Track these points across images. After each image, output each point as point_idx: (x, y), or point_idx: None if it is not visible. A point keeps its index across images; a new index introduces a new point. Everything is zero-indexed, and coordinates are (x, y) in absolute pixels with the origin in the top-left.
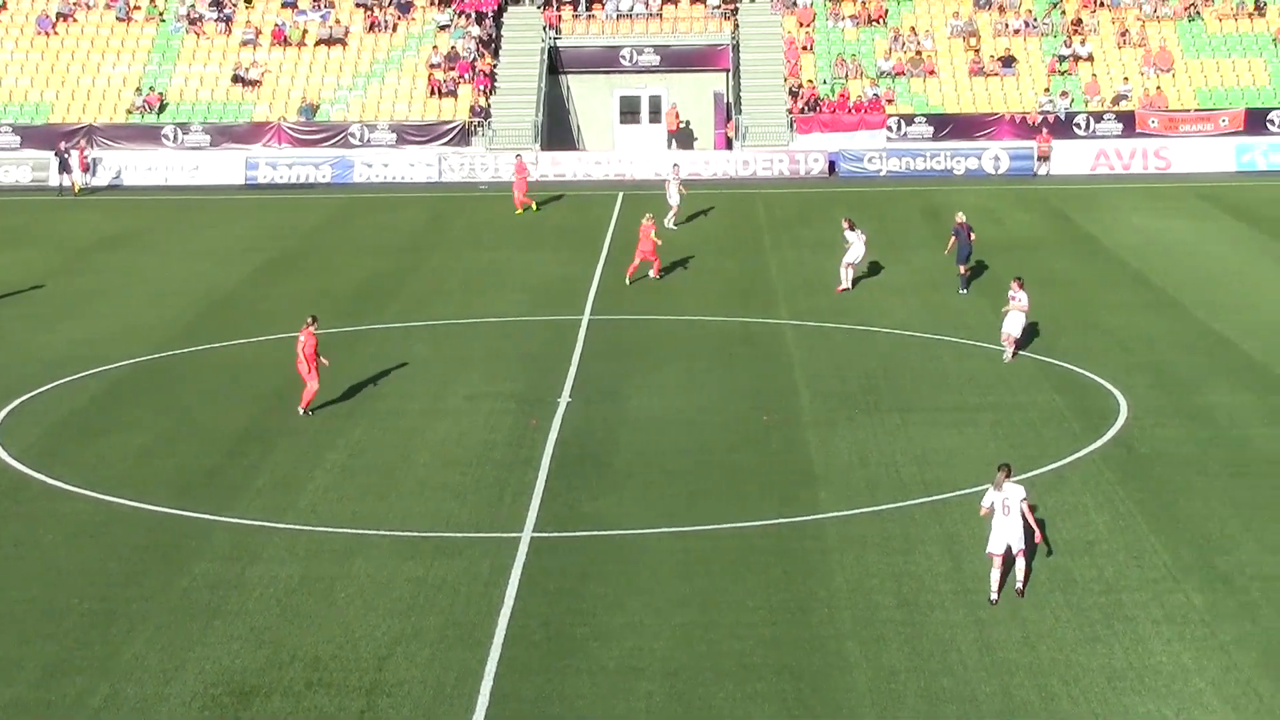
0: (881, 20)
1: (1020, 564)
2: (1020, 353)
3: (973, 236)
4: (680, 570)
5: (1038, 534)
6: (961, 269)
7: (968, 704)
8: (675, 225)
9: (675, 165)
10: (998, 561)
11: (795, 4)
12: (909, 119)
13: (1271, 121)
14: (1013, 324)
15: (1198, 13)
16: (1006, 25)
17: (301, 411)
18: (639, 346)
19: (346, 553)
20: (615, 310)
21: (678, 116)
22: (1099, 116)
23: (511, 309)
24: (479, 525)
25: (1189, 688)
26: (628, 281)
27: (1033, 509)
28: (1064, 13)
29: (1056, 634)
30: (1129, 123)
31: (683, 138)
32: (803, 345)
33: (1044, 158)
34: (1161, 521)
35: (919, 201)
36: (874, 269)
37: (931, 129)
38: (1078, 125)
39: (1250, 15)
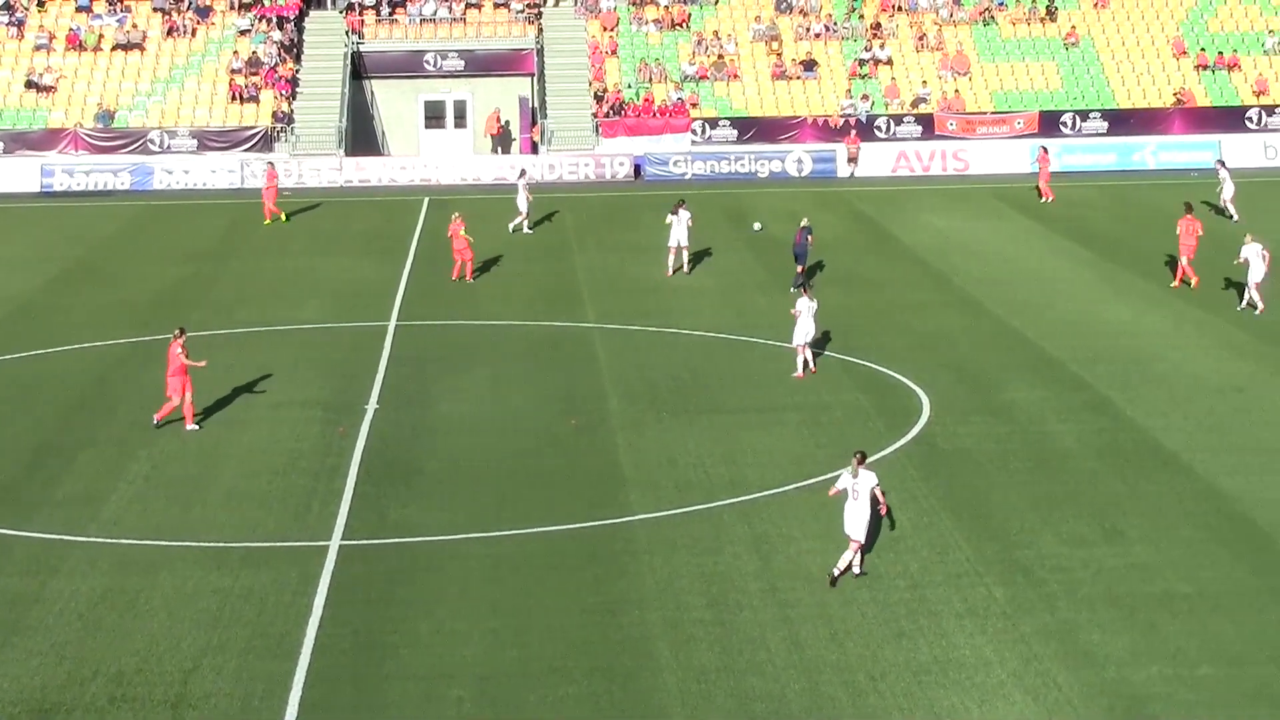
0: (684, 24)
1: (860, 549)
2: (825, 353)
3: (810, 239)
4: (490, 575)
5: (884, 513)
6: (799, 269)
7: (777, 702)
8: (530, 229)
9: (523, 171)
10: (854, 544)
11: (599, 8)
12: (713, 122)
13: (1064, 123)
14: (802, 331)
15: (992, 18)
16: (808, 29)
17: (189, 427)
18: (446, 352)
19: (151, 565)
20: (422, 316)
21: (498, 120)
22: (899, 119)
23: (317, 316)
24: (286, 534)
25: (991, 679)
26: (462, 280)
27: (884, 494)
28: (863, 17)
29: (863, 630)
30: (928, 125)
31: (502, 141)
32: (610, 348)
33: (853, 159)
34: (963, 517)
35: (724, 204)
36: (678, 273)
37: (735, 132)
38: (878, 128)
39: (1042, 20)
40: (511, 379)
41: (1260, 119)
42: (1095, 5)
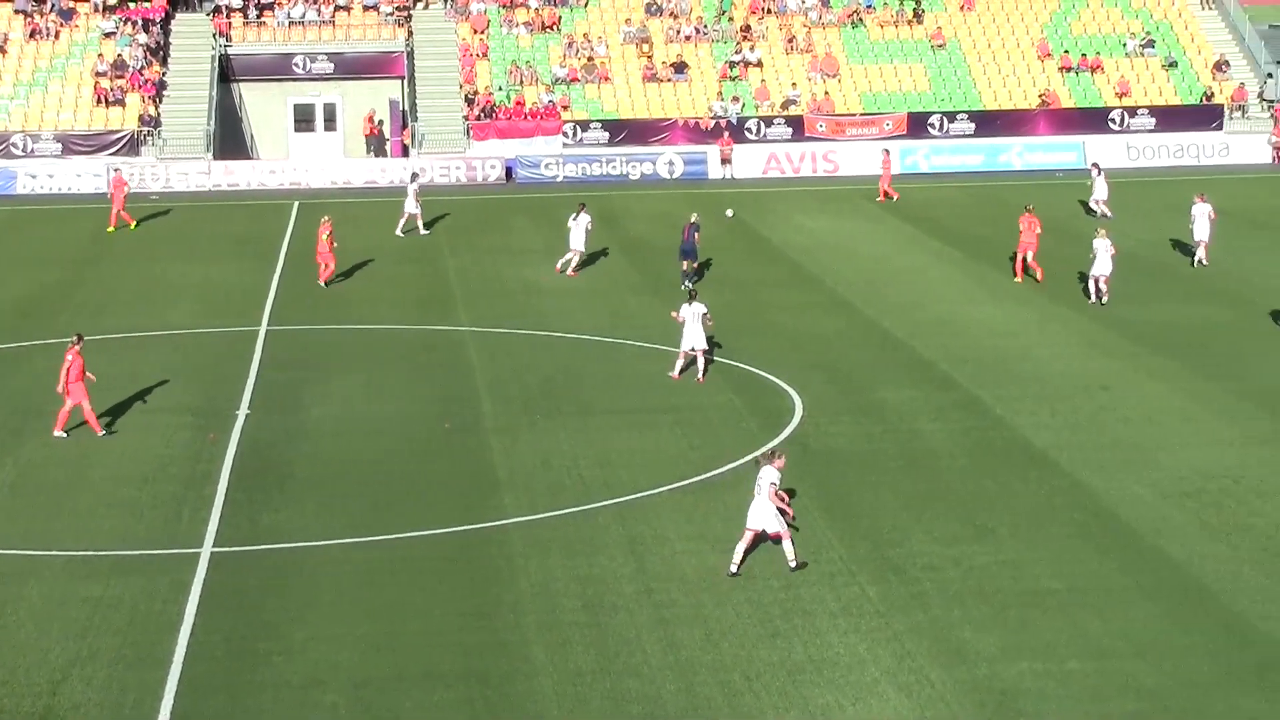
0: (555, 27)
1: (785, 544)
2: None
3: (698, 236)
4: (365, 581)
5: (789, 512)
6: (684, 265)
7: (652, 703)
8: (426, 231)
9: (414, 174)
10: (748, 536)
11: (469, 11)
12: (584, 125)
13: (932, 125)
14: (695, 337)
15: (860, 20)
16: (678, 31)
17: (57, 434)
18: (319, 356)
19: (18, 575)
20: (294, 320)
21: (372, 121)
22: (769, 121)
23: (186, 321)
24: (157, 542)
25: (865, 677)
26: (327, 283)
27: (789, 494)
28: (733, 19)
29: (738, 630)
30: (798, 127)
31: (378, 144)
32: (484, 351)
33: (726, 161)
34: (836, 516)
35: (596, 207)
36: (553, 274)
37: (607, 134)
38: (749, 130)
39: (909, 22)
40: (385, 383)
41: (1123, 120)
42: (961, 8)
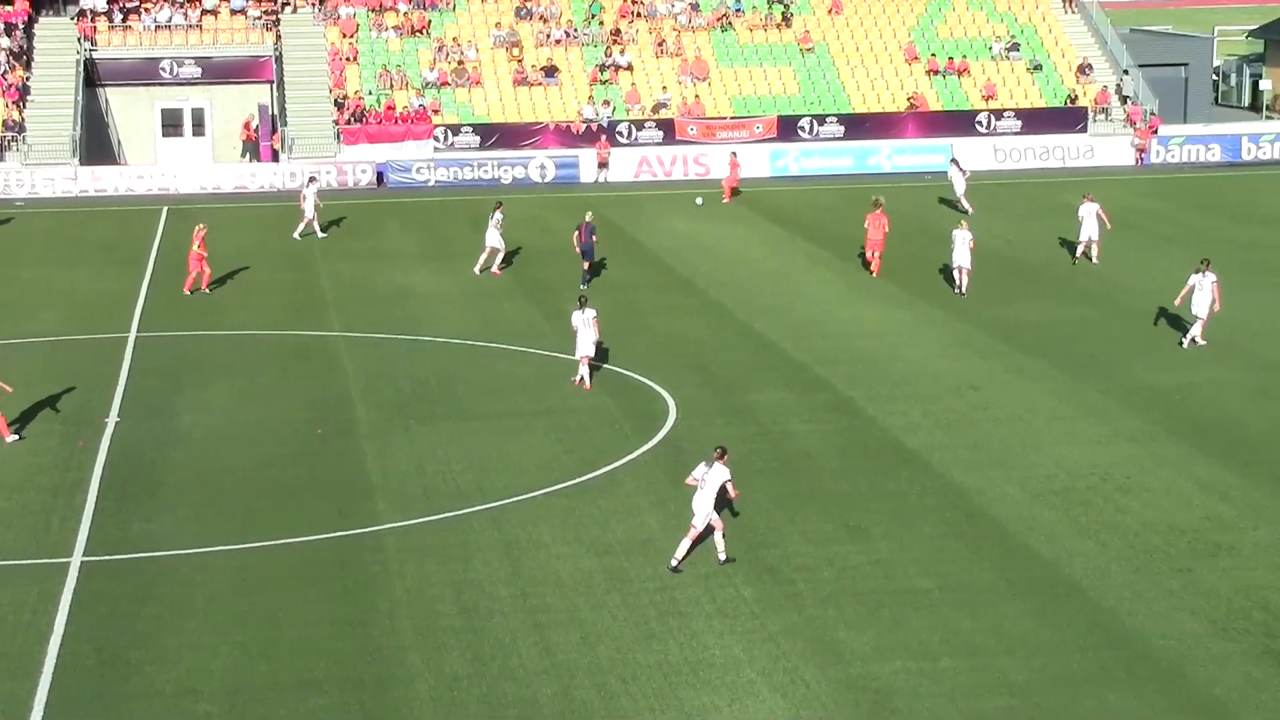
0: (425, 31)
1: (716, 537)
2: (572, 358)
3: (594, 238)
4: (238, 588)
5: (733, 495)
6: (585, 265)
7: (529, 707)
8: (324, 234)
9: (312, 178)
10: (693, 532)
11: (338, 15)
12: (455, 129)
13: (802, 128)
14: (586, 344)
15: (730, 24)
16: (548, 35)
17: None
18: (189, 363)
19: None
20: (163, 327)
21: (249, 127)
22: (640, 125)
23: (53, 328)
24: (25, 552)
25: (741, 678)
26: (196, 291)
27: (735, 493)
28: (603, 23)
29: (614, 633)
30: (669, 130)
31: (255, 148)
32: (356, 356)
33: (603, 164)
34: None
35: (468, 211)
36: (425, 279)
37: (478, 138)
38: (620, 134)
39: (778, 26)
40: (257, 389)
41: (989, 123)
42: (829, 11)
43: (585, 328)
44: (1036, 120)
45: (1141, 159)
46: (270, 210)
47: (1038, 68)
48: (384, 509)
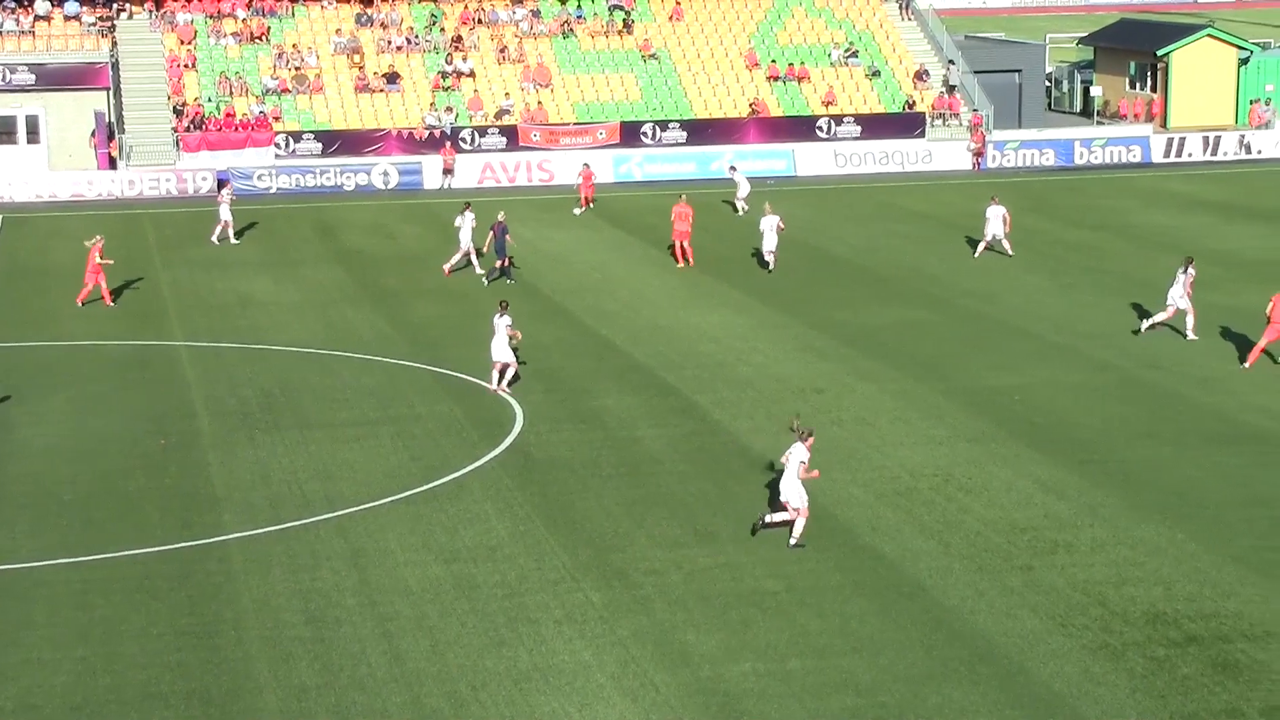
0: (264, 37)
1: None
2: (417, 365)
3: (508, 236)
4: (79, 602)
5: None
6: (497, 263)
7: (379, 716)
8: (237, 240)
9: (228, 181)
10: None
11: (175, 21)
12: (296, 135)
13: (645, 134)
14: (501, 350)
15: (571, 30)
16: (389, 42)
17: None
18: (28, 374)
19: None
20: (0, 338)
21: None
22: (484, 131)
23: None
24: None
25: (590, 683)
26: (79, 303)
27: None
28: (444, 30)
29: (463, 640)
30: (512, 137)
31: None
32: (199, 366)
33: (449, 171)
34: (559, 523)
35: (310, 218)
36: (267, 287)
37: (320, 145)
38: (464, 140)
39: (620, 32)
40: (97, 400)
41: (830, 128)
42: (670, 18)
43: (500, 333)
44: (875, 125)
45: (978, 164)
46: (108, 219)
47: (876, 74)
48: (229, 519)
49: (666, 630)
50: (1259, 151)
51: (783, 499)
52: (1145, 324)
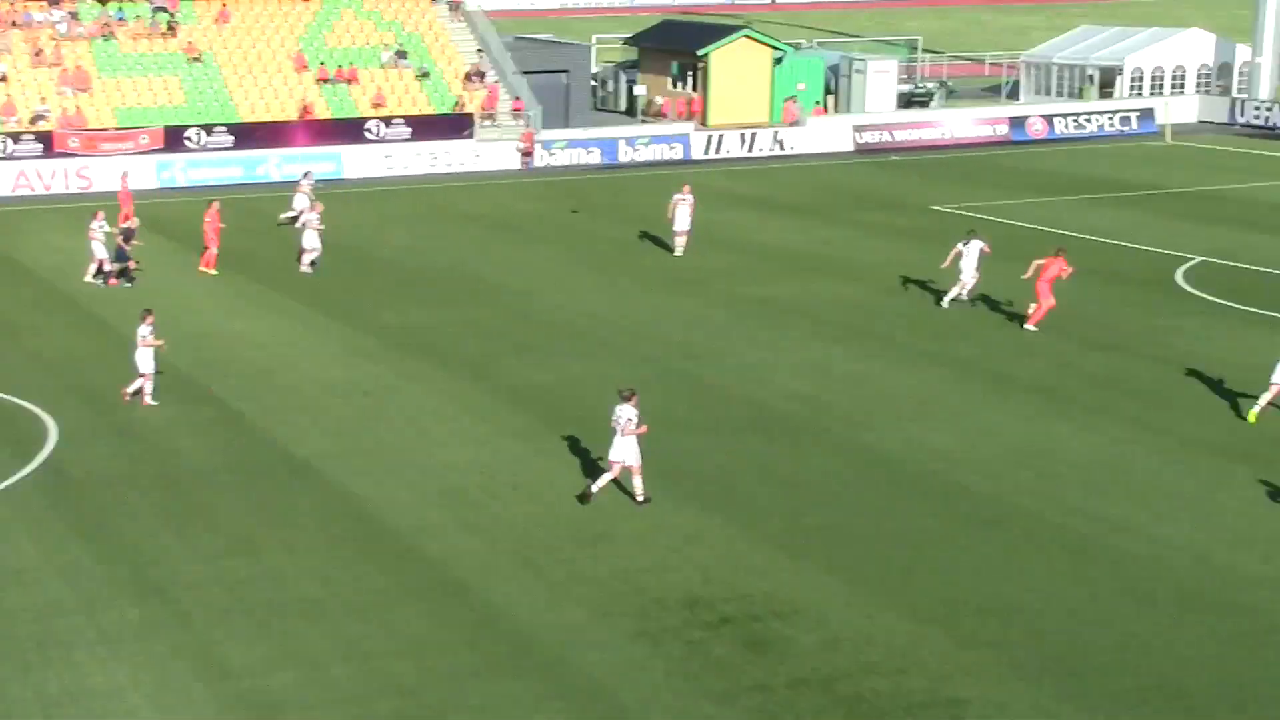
0: None
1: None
2: None
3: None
4: None
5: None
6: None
7: None
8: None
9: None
10: (615, 469)
11: None
12: None
13: (189, 138)
14: (145, 361)
15: (112, 33)
16: None
17: None
18: None
19: None
20: None
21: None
22: (17, 137)
23: None
24: None
25: (125, 705)
26: None
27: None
28: None
29: None
30: (48, 143)
31: None
32: None
33: None
34: (96, 541)
35: None
36: None
37: None
38: None
39: (164, 35)
40: None
41: (379, 130)
42: (216, 21)
43: (150, 338)
44: (425, 127)
45: (527, 163)
46: None
47: (425, 75)
48: None
49: (206, 644)
50: (791, 148)
51: (616, 459)
52: (946, 299)
